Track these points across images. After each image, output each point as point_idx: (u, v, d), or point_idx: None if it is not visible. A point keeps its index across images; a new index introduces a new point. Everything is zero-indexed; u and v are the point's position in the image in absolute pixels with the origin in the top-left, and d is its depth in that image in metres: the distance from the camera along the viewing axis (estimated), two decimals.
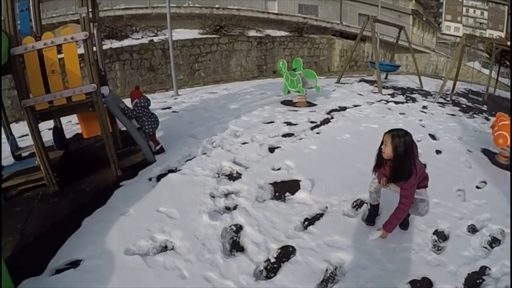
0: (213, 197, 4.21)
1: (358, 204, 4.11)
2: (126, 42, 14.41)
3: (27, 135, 7.31)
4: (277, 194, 4.28)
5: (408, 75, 18.39)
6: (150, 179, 4.79)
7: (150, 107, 5.79)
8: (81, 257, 3.31)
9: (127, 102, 9.44)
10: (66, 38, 4.41)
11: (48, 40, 4.36)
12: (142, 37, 15.26)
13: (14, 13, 4.29)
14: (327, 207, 4.01)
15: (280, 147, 5.73)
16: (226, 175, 4.83)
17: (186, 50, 15.13)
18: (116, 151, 5.23)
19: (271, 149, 5.64)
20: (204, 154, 5.53)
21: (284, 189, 4.40)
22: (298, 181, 4.54)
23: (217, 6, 19.05)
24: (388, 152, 3.27)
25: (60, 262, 3.30)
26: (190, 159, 5.36)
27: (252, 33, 17.90)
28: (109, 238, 3.55)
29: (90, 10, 4.89)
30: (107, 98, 5.05)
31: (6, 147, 5.33)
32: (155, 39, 14.99)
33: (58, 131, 5.92)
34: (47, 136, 5.61)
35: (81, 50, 4.55)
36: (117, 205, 4.16)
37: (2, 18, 4.20)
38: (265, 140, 6.06)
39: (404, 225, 3.68)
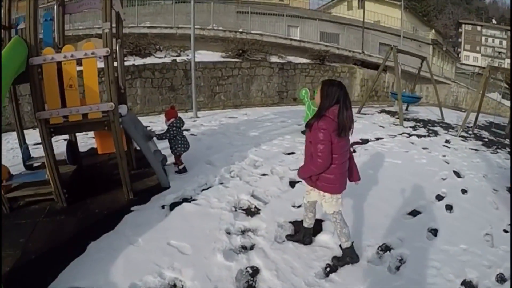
0: (229, 233, 3.93)
1: (382, 249, 3.80)
2: (148, 60, 14.47)
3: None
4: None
5: (429, 106, 18.18)
6: (163, 207, 4.55)
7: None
8: (83, 286, 3.12)
9: (145, 120, 9.37)
10: (86, 53, 4.29)
11: (68, 53, 4.24)
12: (165, 56, 15.31)
13: (36, 22, 4.17)
14: None
15: (301, 181, 5.32)
16: (244, 210, 4.54)
17: (208, 72, 15.07)
18: (129, 172, 5.08)
19: (292, 183, 5.35)
20: (221, 184, 5.29)
21: None
22: (320, 221, 4.21)
23: (240, 30, 19.14)
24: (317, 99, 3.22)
25: (60, 287, 3.13)
26: (206, 189, 5.11)
27: (274, 58, 17.86)
28: (114, 269, 3.33)
29: (114, 26, 4.77)
30: (125, 117, 4.88)
31: (18, 154, 5.22)
32: (178, 59, 14.99)
33: (72, 145, 5.84)
34: (62, 147, 5.58)
35: (101, 65, 4.42)
36: (126, 232, 3.95)
37: (24, 26, 4.09)
38: (286, 172, 5.77)
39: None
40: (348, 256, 3.50)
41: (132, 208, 4.53)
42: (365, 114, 13.35)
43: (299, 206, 4.59)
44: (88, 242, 3.75)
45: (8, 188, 4.73)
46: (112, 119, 4.51)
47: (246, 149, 6.97)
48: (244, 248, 3.69)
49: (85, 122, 4.56)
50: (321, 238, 3.91)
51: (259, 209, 4.52)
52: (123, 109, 5.01)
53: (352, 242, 3.52)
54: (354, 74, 20.32)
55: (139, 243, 3.73)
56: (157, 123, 10.32)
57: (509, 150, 9.49)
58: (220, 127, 9.65)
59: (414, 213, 4.71)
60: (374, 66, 20.80)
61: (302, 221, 3.83)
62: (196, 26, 11.80)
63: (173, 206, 4.57)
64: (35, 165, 5.49)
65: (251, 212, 4.47)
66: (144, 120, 11.03)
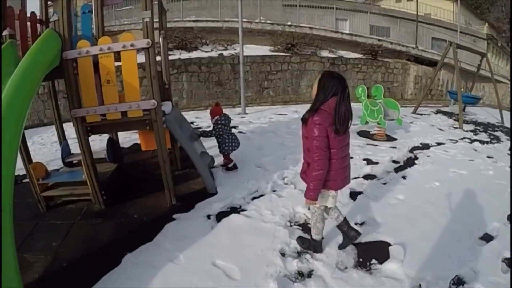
0: (284, 255, 3.37)
1: (455, 283, 3.13)
2: (195, 54, 14.36)
3: None
4: (361, 260, 3.37)
5: (485, 107, 16.74)
6: (208, 217, 4.09)
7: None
8: None
9: (191, 115, 9.02)
10: (125, 45, 3.87)
11: (104, 45, 3.85)
12: (211, 50, 15.15)
13: (70, 14, 3.85)
14: (420, 285, 3.06)
15: (362, 192, 4.79)
16: (300, 225, 3.95)
17: (256, 66, 14.66)
18: (173, 173, 4.77)
19: (353, 195, 4.70)
20: (274, 192, 4.73)
21: (370, 253, 3.46)
22: (387, 244, 3.60)
23: (289, 23, 18.67)
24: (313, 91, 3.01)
25: None
26: (258, 197, 4.57)
27: (324, 53, 17.11)
28: None
29: (156, 20, 4.37)
30: (168, 116, 4.46)
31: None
32: (225, 53, 14.72)
33: (113, 142, 5.62)
34: (104, 142, 5.43)
35: (142, 59, 4.01)
36: (166, 246, 3.54)
37: (57, 18, 3.76)
38: None
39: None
40: (313, 246, 3.45)
41: (174, 216, 4.13)
42: (421, 114, 12.36)
43: (362, 223, 3.98)
44: (123, 253, 3.43)
45: (45, 186, 4.60)
46: (154, 118, 4.09)
47: (299, 152, 6.10)
48: (301, 275, 3.13)
49: (125, 121, 4.16)
50: (388, 267, 3.28)
51: None
52: (167, 106, 4.60)
53: (322, 239, 3.45)
54: (408, 70, 19.07)
55: (180, 261, 3.29)
56: (203, 119, 10.01)
57: None
58: (270, 125, 9.11)
59: (487, 237, 3.95)
60: (428, 63, 19.67)
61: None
62: (243, 19, 11.31)
63: (220, 216, 4.08)
64: (74, 161, 5.26)
65: (308, 229, 3.82)
66: (191, 115, 10.80)
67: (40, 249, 3.62)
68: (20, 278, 2.47)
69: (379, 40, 19.82)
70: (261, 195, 4.63)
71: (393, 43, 20.51)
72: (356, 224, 3.94)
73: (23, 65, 3.25)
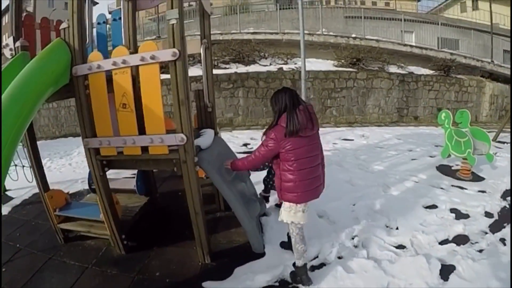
0: None
1: None
2: (252, 68, 13.90)
3: None
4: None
5: None
6: None
7: None
8: None
9: (246, 136, 8.10)
10: (143, 57, 2.94)
11: (118, 58, 2.99)
12: (270, 64, 14.64)
13: (82, 19, 3.09)
14: None
15: (455, 268, 3.40)
16: None
17: (319, 83, 13.60)
18: (214, 215, 4.52)
19: (444, 271, 3.33)
20: (340, 259, 3.50)
21: None
22: None
23: (353, 35, 17.59)
24: None
25: None
26: (318, 267, 3.39)
27: (393, 69, 15.67)
28: None
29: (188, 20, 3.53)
30: (204, 154, 3.49)
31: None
32: (285, 67, 14.04)
33: (144, 171, 4.87)
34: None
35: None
36: None
37: (67, 25, 3.05)
38: (432, 246, 3.78)
39: None
40: (299, 276, 3.17)
41: (203, 284, 3.19)
42: (503, 142, 9.83)
43: None
44: None
45: (63, 217, 4.22)
46: (183, 159, 3.14)
47: (371, 195, 5.08)
48: None
49: (146, 158, 3.28)
50: None
51: None
52: (205, 137, 3.72)
53: (306, 264, 3.16)
54: (483, 88, 16.86)
55: None
56: (258, 141, 9.00)
57: None
58: (334, 153, 7.75)
59: None
60: (504, 79, 17.52)
61: None
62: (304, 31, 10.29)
63: None
64: None
65: None
66: (245, 136, 9.97)
67: None
68: None
69: (451, 54, 17.87)
70: (322, 264, 3.45)
71: (467, 57, 18.37)
72: None
73: (14, 84, 2.55)
